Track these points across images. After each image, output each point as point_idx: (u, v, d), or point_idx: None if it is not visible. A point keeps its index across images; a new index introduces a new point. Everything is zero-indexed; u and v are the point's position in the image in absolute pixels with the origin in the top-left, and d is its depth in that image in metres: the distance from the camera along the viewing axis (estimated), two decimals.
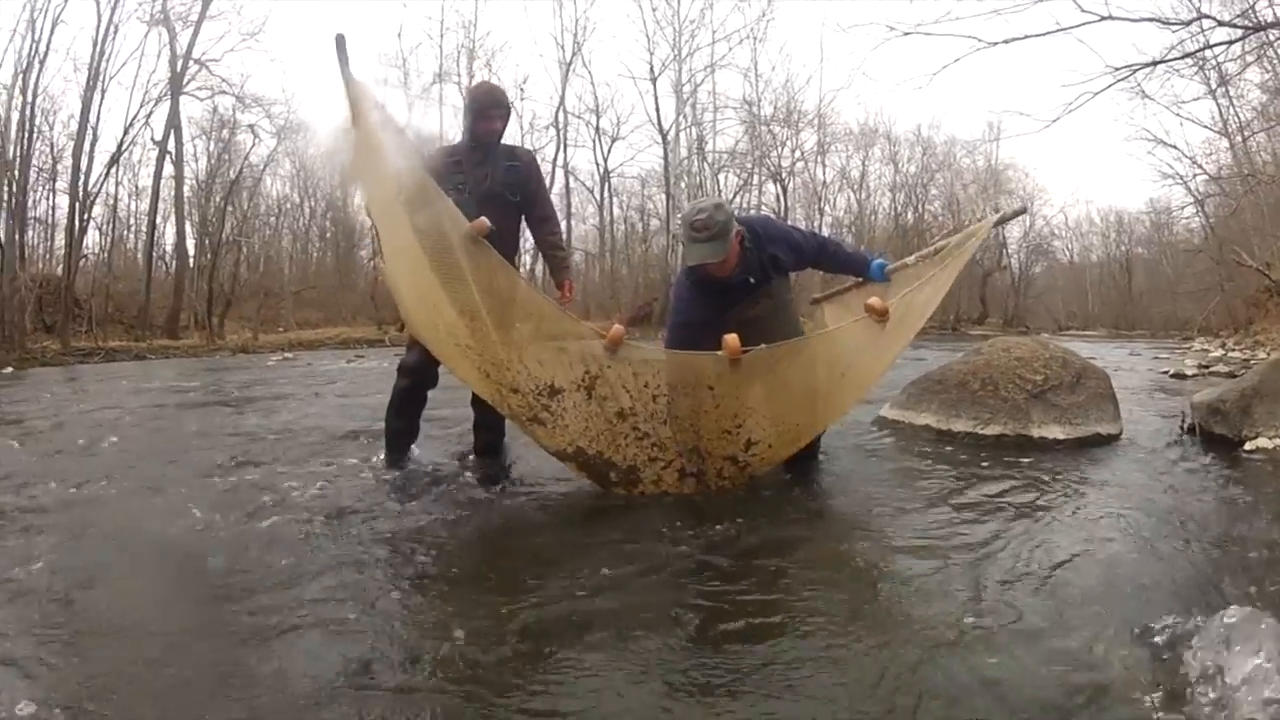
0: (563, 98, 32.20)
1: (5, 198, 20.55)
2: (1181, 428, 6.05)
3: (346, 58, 4.03)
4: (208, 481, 4.70)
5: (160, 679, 2.36)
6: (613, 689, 2.32)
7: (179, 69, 25.60)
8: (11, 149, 21.07)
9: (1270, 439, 5.34)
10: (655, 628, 2.68)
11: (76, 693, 2.26)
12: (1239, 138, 25.55)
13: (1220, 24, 9.79)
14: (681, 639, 2.61)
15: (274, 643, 2.58)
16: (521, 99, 31.77)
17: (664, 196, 32.63)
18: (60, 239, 25.18)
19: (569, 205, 33.79)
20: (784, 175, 33.71)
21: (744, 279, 4.46)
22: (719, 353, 4.11)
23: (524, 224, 5.10)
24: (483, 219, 4.05)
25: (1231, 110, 25.66)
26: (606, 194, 35.29)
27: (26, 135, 21.63)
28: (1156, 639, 2.49)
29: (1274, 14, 10.63)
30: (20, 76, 21.22)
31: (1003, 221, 5.17)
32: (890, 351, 4.41)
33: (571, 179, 34.05)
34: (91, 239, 26.92)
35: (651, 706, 2.22)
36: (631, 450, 4.30)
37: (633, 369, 4.24)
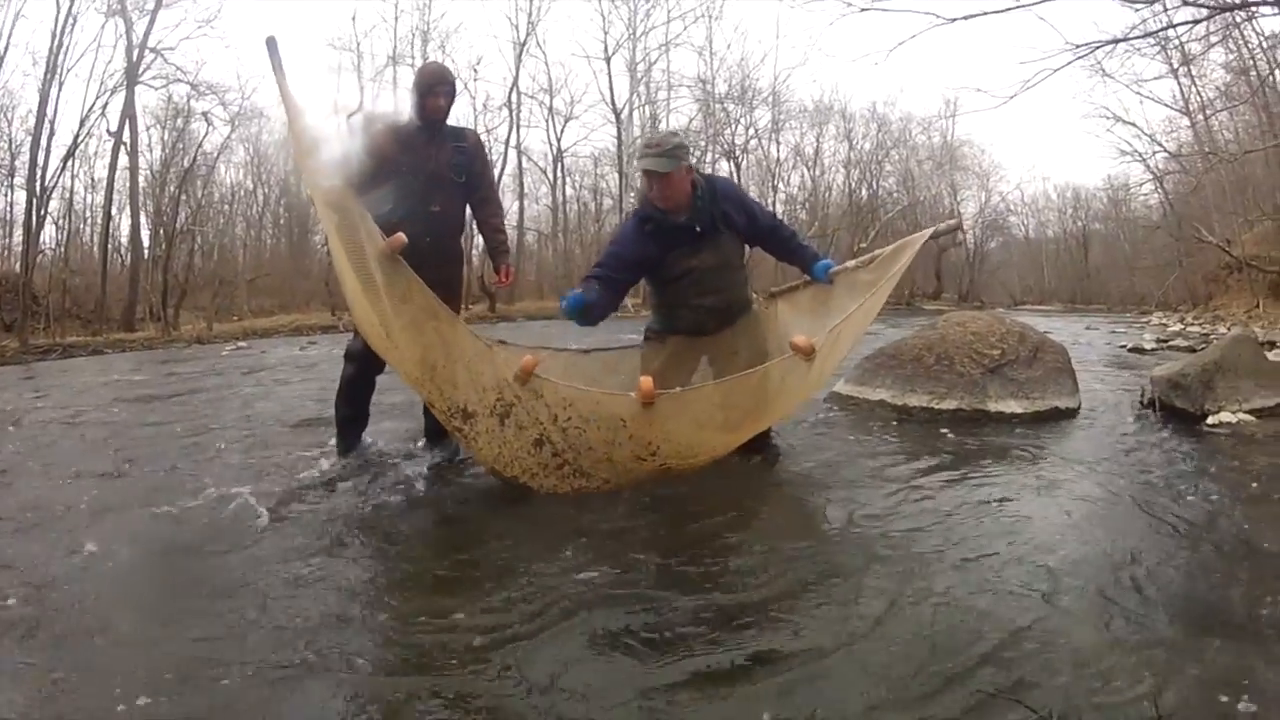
0: (516, 78, 32.03)
1: None
2: (1141, 401, 6.05)
3: (280, 60, 3.99)
4: (159, 474, 4.67)
5: (111, 672, 2.34)
6: (564, 672, 2.30)
7: (135, 58, 25.21)
8: None
9: (1233, 413, 5.35)
10: (607, 610, 2.69)
11: (33, 686, 2.27)
12: (1200, 116, 25.78)
13: (1186, 3, 9.78)
14: (628, 621, 2.60)
15: (225, 636, 2.55)
16: (475, 80, 31.66)
17: (617, 175, 32.83)
18: (18, 235, 24.84)
19: (522, 185, 33.86)
20: (738, 153, 33.69)
21: (690, 225, 4.44)
22: (631, 394, 4.03)
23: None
24: (399, 235, 3.94)
25: (1194, 89, 25.92)
26: (560, 174, 35.25)
27: None
28: (1111, 612, 2.52)
29: None
30: None
31: (937, 236, 4.97)
32: (818, 380, 4.39)
33: (525, 159, 34.03)
34: (48, 233, 26.52)
35: (605, 688, 2.22)
36: (551, 480, 4.12)
37: (544, 401, 4.07)
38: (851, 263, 4.62)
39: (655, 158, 4.34)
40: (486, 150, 5.18)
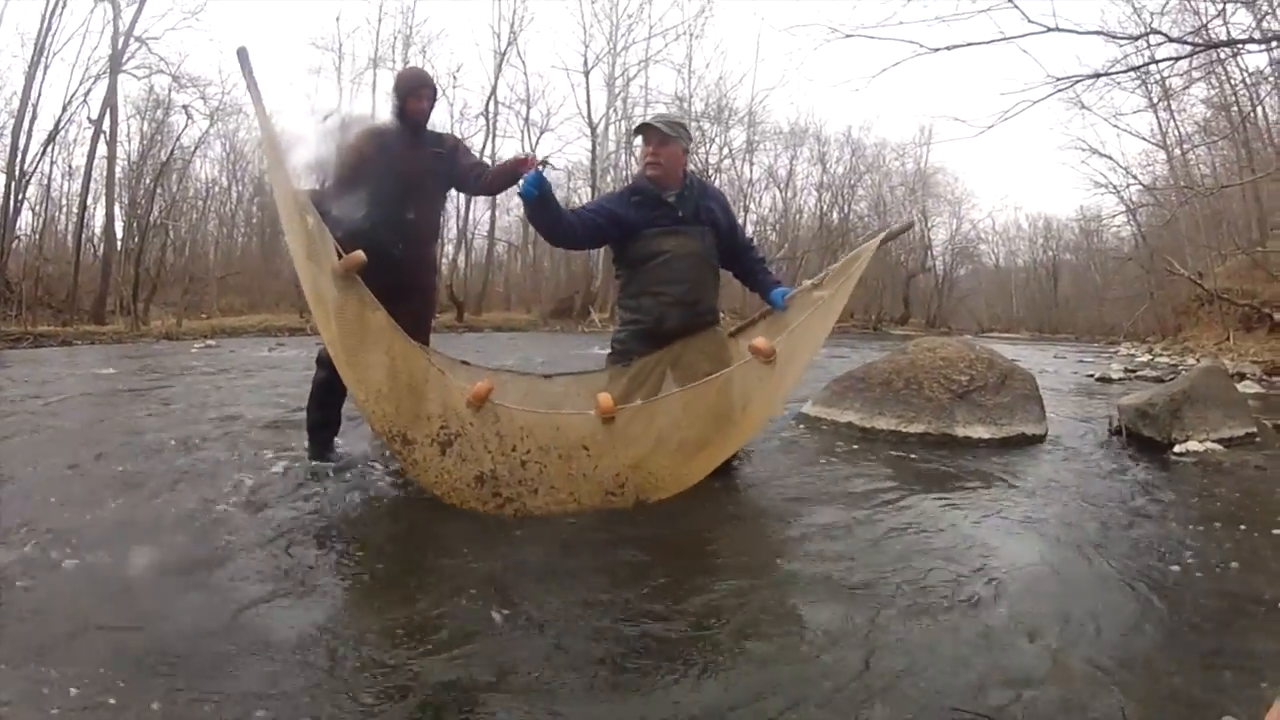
0: (494, 87, 32.18)
1: None
2: (1109, 429, 6.10)
3: (251, 69, 4.04)
4: (126, 473, 4.59)
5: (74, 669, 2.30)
6: (528, 680, 2.31)
7: (120, 46, 25.09)
8: None
9: (1200, 442, 5.39)
10: (570, 620, 2.70)
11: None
12: (1178, 151, 26.07)
13: (1170, 40, 9.88)
14: (589, 631, 2.62)
15: (192, 638, 2.51)
16: (454, 87, 31.89)
17: (590, 189, 32.78)
18: None
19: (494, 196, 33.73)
20: (711, 172, 33.71)
21: (674, 207, 4.54)
22: (590, 412, 4.00)
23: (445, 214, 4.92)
24: (356, 254, 3.90)
25: (1173, 124, 26.21)
26: None
27: None
28: (1068, 639, 2.53)
29: (1227, 33, 10.78)
30: None
31: (889, 239, 4.95)
32: (783, 385, 4.35)
33: None
34: (24, 220, 26.31)
35: (568, 695, 2.24)
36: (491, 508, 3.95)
37: (497, 429, 3.93)
38: (806, 282, 4.62)
39: (661, 122, 4.53)
40: (466, 147, 5.07)
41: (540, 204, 4.17)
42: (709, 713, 2.14)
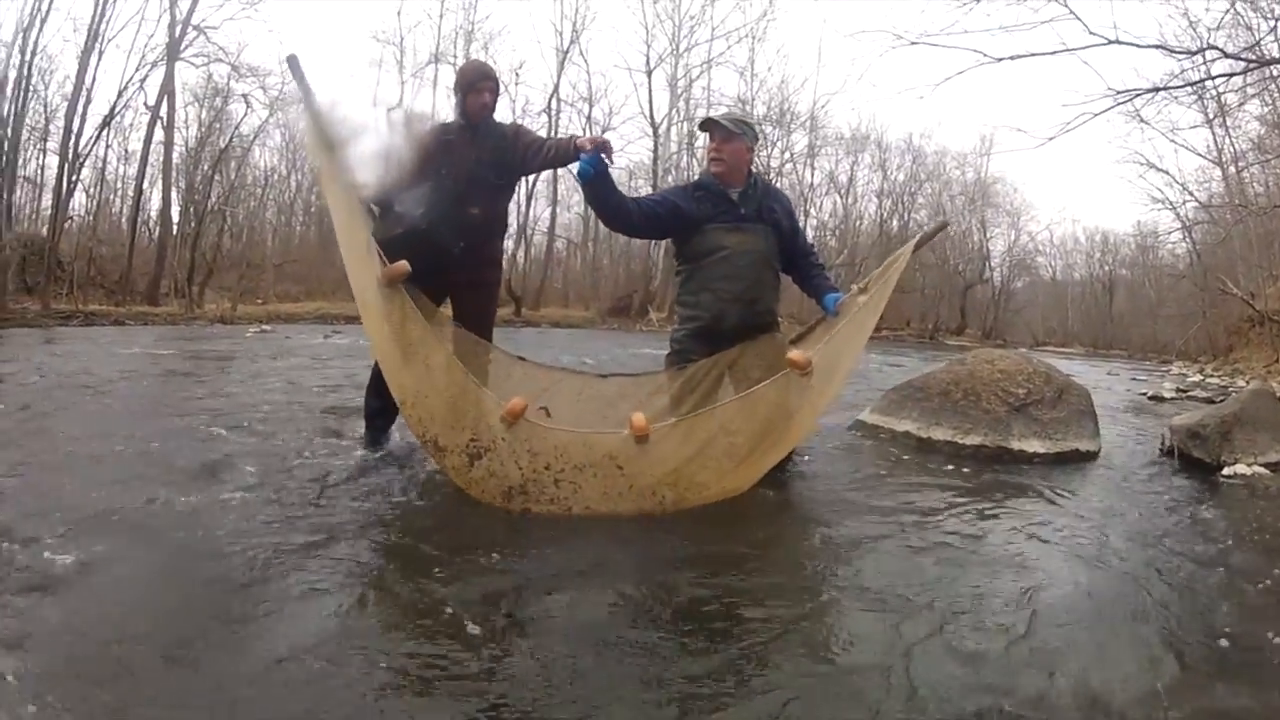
0: (557, 85, 32.25)
1: None
2: (1160, 449, 6.05)
3: (303, 75, 4.07)
4: (181, 454, 4.64)
5: (134, 647, 2.38)
6: (570, 679, 2.33)
7: (177, 34, 25.39)
8: (6, 107, 20.89)
9: (1248, 465, 5.35)
10: (600, 626, 2.70)
11: (47, 659, 2.28)
12: (1233, 168, 25.71)
13: (1226, 56, 9.79)
14: (619, 638, 2.63)
15: (247, 621, 2.58)
16: (516, 84, 31.91)
17: (651, 189, 32.35)
18: (48, 199, 25.04)
19: (555, 192, 33.96)
20: (772, 175, 33.34)
21: (737, 203, 4.60)
22: (624, 432, 3.94)
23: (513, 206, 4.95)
24: (400, 265, 3.98)
25: (1228, 140, 25.84)
26: None
27: (21, 93, 21.44)
28: (1119, 664, 2.52)
29: (1279, 50, 10.66)
30: (21, 34, 21.04)
31: (924, 243, 4.93)
32: (825, 395, 4.30)
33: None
34: (78, 201, 26.80)
35: (605, 699, 2.24)
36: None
37: (529, 446, 3.88)
38: (854, 287, 4.65)
39: (726, 119, 4.58)
40: (527, 129, 4.98)
41: (597, 184, 4.26)
42: None
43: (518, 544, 3.43)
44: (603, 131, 33.53)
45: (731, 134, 4.54)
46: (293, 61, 4.08)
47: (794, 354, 4.12)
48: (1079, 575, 3.31)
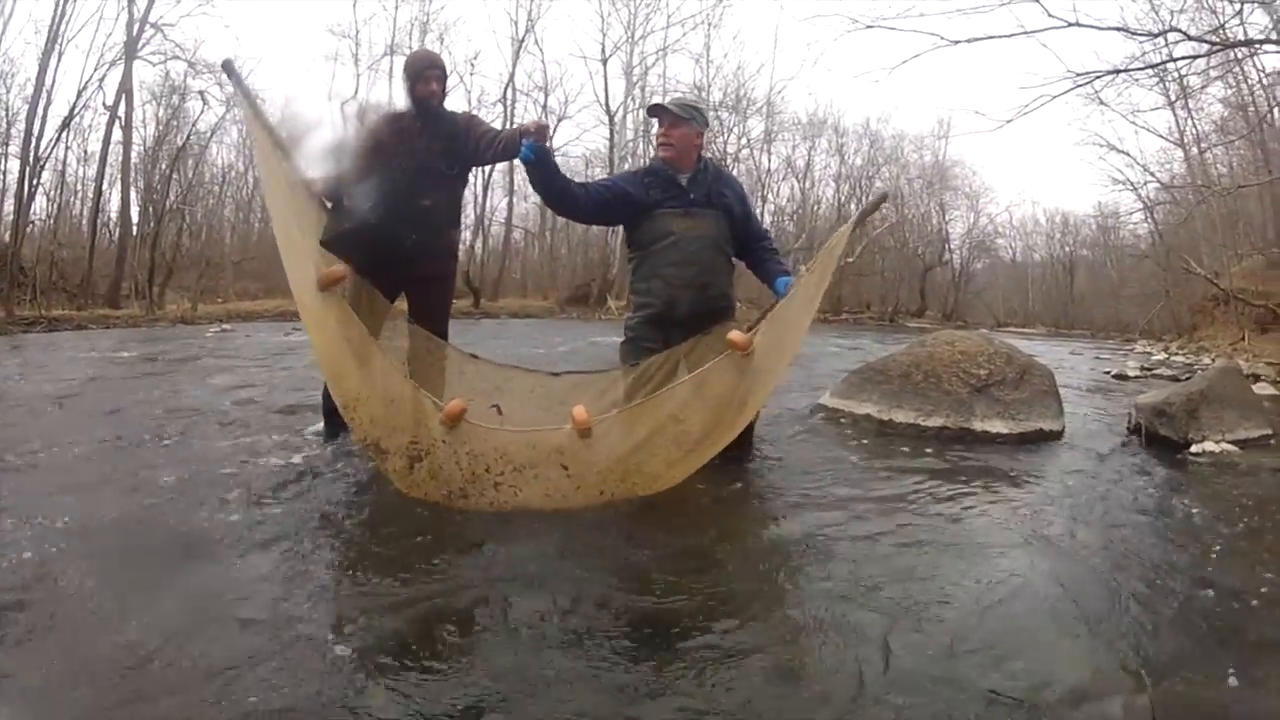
0: (512, 75, 32.00)
1: None
2: (1127, 428, 6.08)
3: (240, 79, 4.23)
4: (141, 453, 4.73)
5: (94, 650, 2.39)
6: (524, 672, 2.34)
7: (135, 32, 25.17)
8: None
9: (1216, 443, 5.39)
10: (568, 610, 2.78)
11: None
12: (1195, 149, 25.90)
13: (1189, 38, 9.84)
14: (587, 636, 2.61)
15: (206, 620, 2.59)
16: (471, 74, 31.69)
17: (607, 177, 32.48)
18: (9, 205, 24.76)
19: (512, 182, 33.54)
20: (729, 161, 33.27)
21: (686, 189, 4.60)
22: (566, 426, 3.87)
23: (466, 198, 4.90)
24: (336, 269, 4.00)
25: (1190, 122, 26.00)
26: None
27: None
28: (1093, 649, 2.53)
29: (1244, 33, 10.71)
30: None
31: (864, 216, 4.85)
32: (770, 375, 4.22)
33: None
34: (39, 205, 26.43)
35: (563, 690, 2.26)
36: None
37: (469, 448, 3.84)
38: (803, 269, 4.55)
39: (675, 104, 4.59)
40: (480, 120, 4.96)
41: (539, 168, 4.27)
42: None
43: (467, 543, 3.40)
44: (558, 121, 33.66)
45: (679, 119, 4.54)
46: (228, 66, 4.18)
47: (734, 334, 4.07)
48: (1049, 560, 3.29)
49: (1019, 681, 2.30)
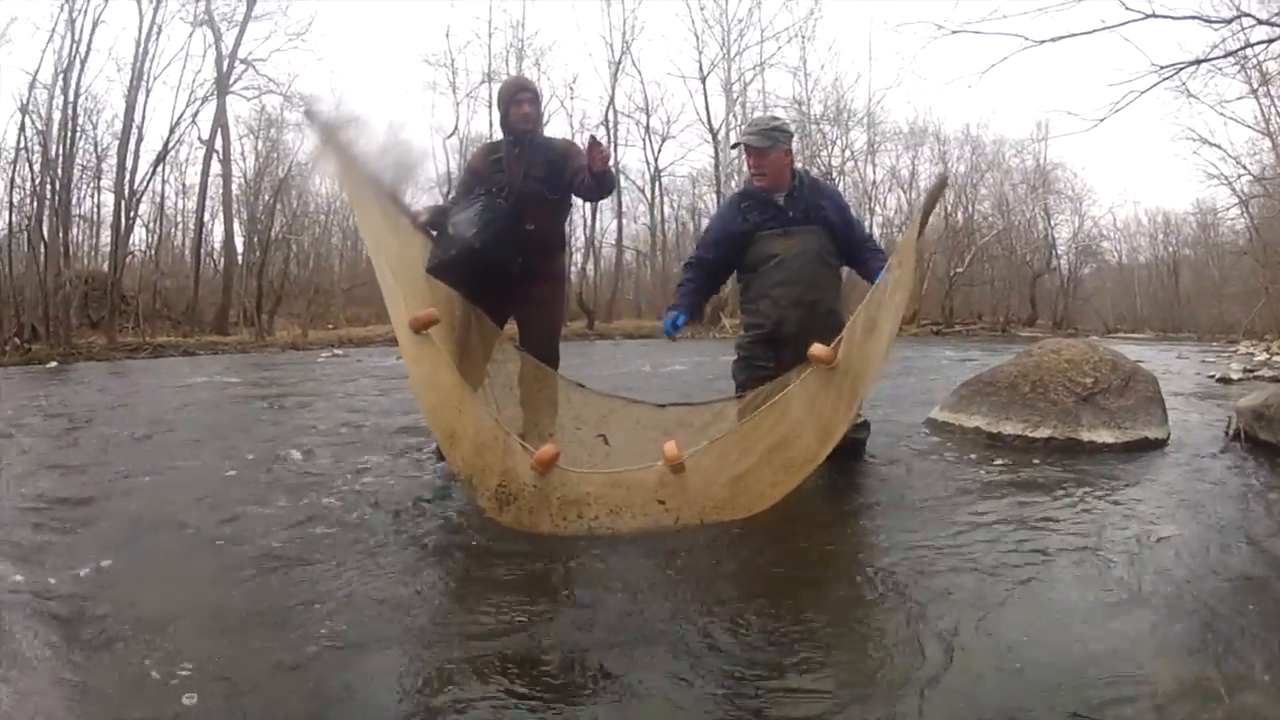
0: (612, 97, 32.22)
1: (49, 195, 20.98)
2: (1227, 433, 5.98)
3: (325, 122, 4.29)
4: (255, 472, 4.98)
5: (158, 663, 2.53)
6: (637, 693, 2.40)
7: (225, 69, 26.05)
8: (54, 147, 21.48)
9: None
10: (660, 630, 2.81)
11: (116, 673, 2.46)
12: None
13: (1259, 22, 9.71)
14: (680, 641, 2.71)
15: (317, 650, 2.66)
16: (571, 98, 32.06)
17: (714, 195, 32.40)
18: (105, 236, 25.82)
19: (620, 204, 33.67)
20: (834, 175, 32.83)
21: (785, 208, 4.70)
22: (658, 464, 3.84)
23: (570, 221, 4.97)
24: (429, 312, 4.04)
25: (1273, 109, 25.27)
26: (657, 193, 35.11)
27: (69, 134, 22.05)
28: (1200, 655, 2.54)
29: None
30: (61, 76, 21.67)
31: (930, 206, 4.40)
32: (860, 385, 4.05)
33: (622, 178, 33.39)
34: (138, 236, 27.52)
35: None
36: None
37: (560, 494, 3.82)
38: (892, 259, 4.40)
39: (754, 134, 4.66)
40: (580, 149, 4.86)
41: (685, 325, 4.61)
42: None
43: (574, 560, 3.48)
44: (662, 141, 34.09)
45: (765, 149, 4.64)
46: (311, 113, 4.34)
47: (815, 349, 4.00)
48: (1159, 573, 3.25)
49: (1139, 689, 2.32)
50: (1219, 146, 29.00)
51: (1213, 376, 11.55)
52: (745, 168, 4.95)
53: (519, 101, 4.75)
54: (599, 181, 4.51)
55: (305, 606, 2.97)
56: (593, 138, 4.53)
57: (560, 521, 3.81)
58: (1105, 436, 5.60)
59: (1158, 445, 5.66)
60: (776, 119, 4.71)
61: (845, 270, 5.11)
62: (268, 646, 2.65)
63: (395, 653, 2.64)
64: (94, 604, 2.96)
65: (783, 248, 4.64)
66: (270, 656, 2.58)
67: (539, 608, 2.99)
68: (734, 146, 4.87)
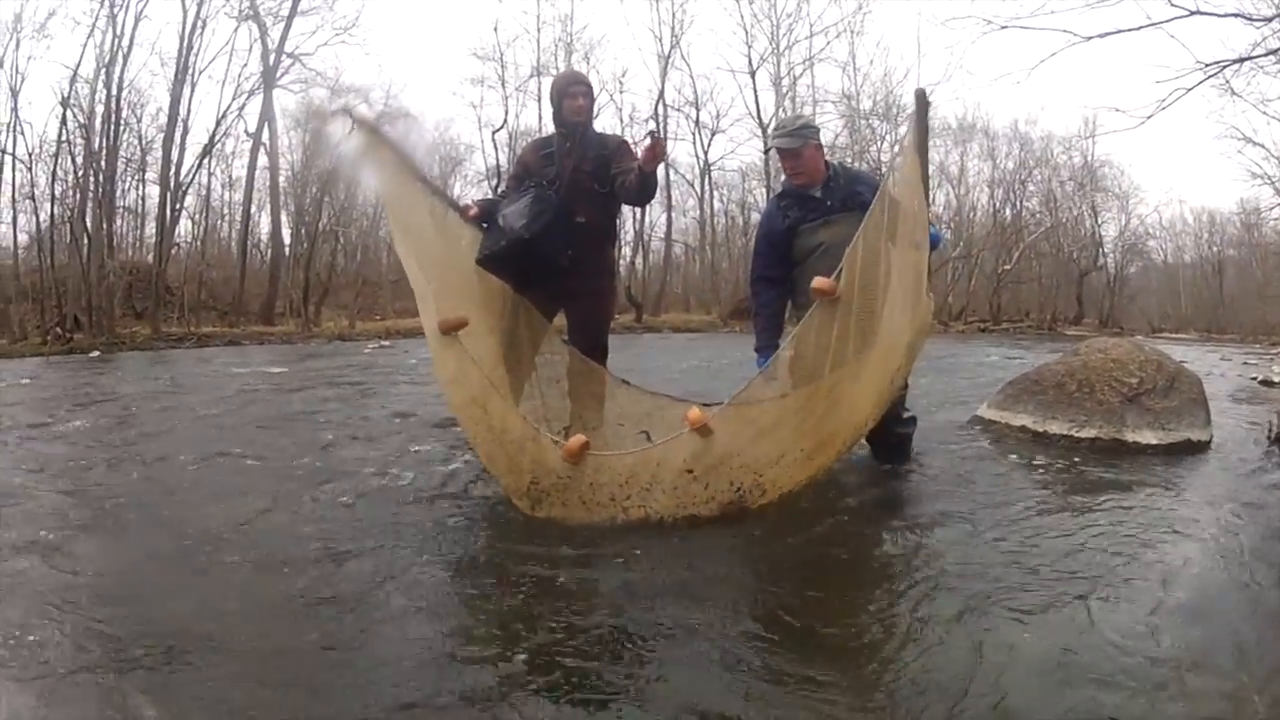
0: (662, 91, 32.01)
1: (92, 187, 21.41)
2: (1268, 436, 5.98)
3: (373, 126, 4.34)
4: (296, 461, 5.15)
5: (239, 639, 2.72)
6: (673, 689, 2.45)
7: (271, 63, 26.33)
8: (97, 140, 21.94)
9: None
10: (698, 628, 2.85)
11: (157, 659, 2.60)
12: None
13: None
14: (718, 637, 2.77)
15: (356, 629, 2.81)
16: (621, 92, 32.02)
17: (764, 190, 32.12)
18: (150, 228, 26.18)
19: (669, 198, 33.56)
20: (884, 170, 32.73)
21: (823, 199, 4.79)
22: (683, 431, 3.88)
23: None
24: (459, 316, 4.12)
25: None
26: (707, 187, 34.81)
27: (112, 127, 22.47)
28: (1243, 667, 2.53)
29: None
30: (103, 70, 22.08)
31: (923, 127, 4.36)
32: (874, 316, 3.93)
33: (672, 172, 33.31)
34: (184, 228, 27.85)
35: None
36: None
37: (590, 479, 3.88)
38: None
39: (784, 137, 4.77)
40: (632, 149, 4.88)
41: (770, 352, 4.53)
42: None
43: (601, 561, 3.50)
44: (712, 135, 33.77)
45: (796, 150, 4.74)
46: (351, 118, 4.36)
47: (818, 281, 3.93)
48: (1203, 580, 3.26)
49: (1188, 695, 2.35)
50: (1262, 146, 28.74)
51: (1254, 378, 11.48)
52: (780, 171, 5.02)
53: (573, 95, 4.78)
54: (644, 183, 4.50)
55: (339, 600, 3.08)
56: (653, 132, 4.47)
57: (595, 507, 3.89)
58: (1149, 437, 5.63)
59: (1200, 448, 5.67)
60: (801, 117, 4.88)
61: None
62: (317, 634, 2.79)
63: (416, 645, 2.72)
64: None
65: (826, 236, 4.69)
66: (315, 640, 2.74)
67: (571, 606, 3.05)
68: (766, 152, 4.99)
